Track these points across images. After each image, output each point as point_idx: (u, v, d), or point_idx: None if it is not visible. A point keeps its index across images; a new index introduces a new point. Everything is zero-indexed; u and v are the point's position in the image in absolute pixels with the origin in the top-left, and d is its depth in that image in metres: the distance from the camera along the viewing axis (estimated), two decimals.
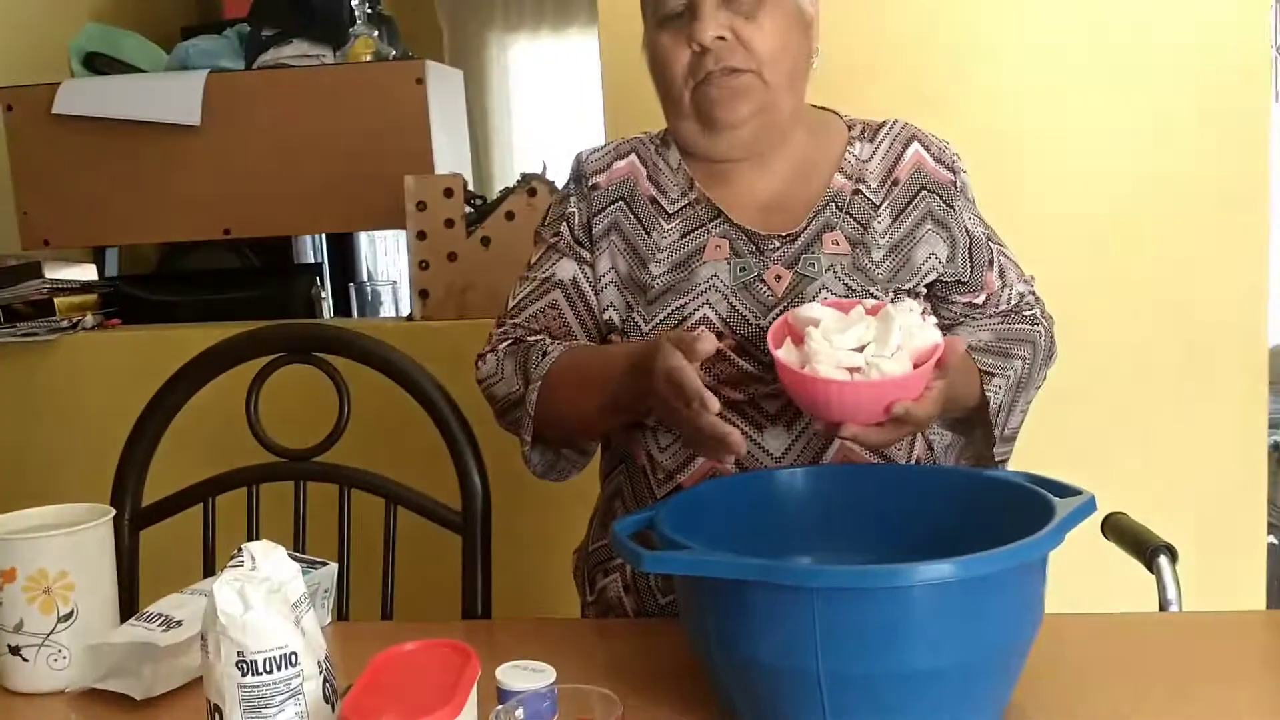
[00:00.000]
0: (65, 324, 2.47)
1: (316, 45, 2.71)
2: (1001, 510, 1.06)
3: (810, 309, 1.15)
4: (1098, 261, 2.03)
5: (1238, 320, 2.01)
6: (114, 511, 1.16)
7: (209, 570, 1.46)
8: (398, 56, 2.90)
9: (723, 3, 1.27)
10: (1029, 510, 1.00)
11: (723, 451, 1.09)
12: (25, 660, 1.10)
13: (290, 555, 1.21)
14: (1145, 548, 1.40)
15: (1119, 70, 2.01)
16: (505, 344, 1.37)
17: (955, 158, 1.39)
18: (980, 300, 1.39)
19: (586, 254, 1.37)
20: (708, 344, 1.09)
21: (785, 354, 1.12)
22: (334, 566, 1.29)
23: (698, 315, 1.29)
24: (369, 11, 3.08)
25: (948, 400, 1.18)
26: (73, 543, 1.11)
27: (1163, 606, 1.37)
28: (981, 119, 2.02)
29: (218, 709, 0.88)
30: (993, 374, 1.30)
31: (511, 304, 1.40)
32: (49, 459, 2.45)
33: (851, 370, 1.09)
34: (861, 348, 1.11)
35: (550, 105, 6.08)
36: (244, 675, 0.87)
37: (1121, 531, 1.47)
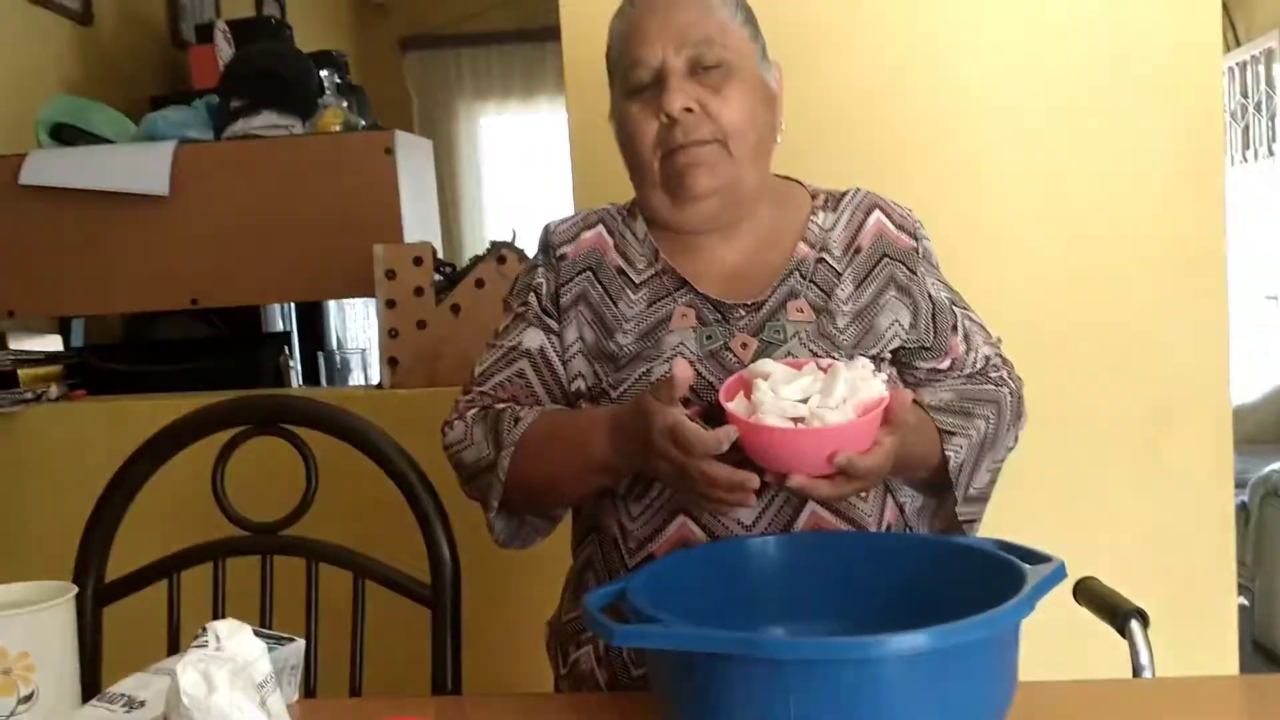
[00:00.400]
0: (29, 395, 2.44)
1: (286, 115, 2.73)
2: (972, 578, 1.06)
3: (763, 364, 1.17)
4: (1061, 326, 2.05)
5: (1202, 381, 2.03)
6: (76, 590, 1.14)
7: (174, 647, 1.44)
8: (367, 126, 2.92)
9: (690, 75, 1.30)
10: (1000, 577, 1.00)
11: (738, 494, 1.11)
12: None
13: (256, 631, 1.19)
14: (1117, 613, 1.40)
15: (1077, 137, 2.04)
16: (473, 411, 1.36)
17: (917, 224, 1.41)
18: (945, 365, 1.39)
19: (554, 324, 1.38)
20: (681, 372, 1.12)
21: (735, 405, 1.14)
22: (301, 642, 1.26)
23: None
24: (338, 82, 3.11)
25: (902, 458, 1.20)
26: (34, 623, 1.08)
27: (1136, 672, 1.36)
28: (943, 188, 2.04)
29: None
30: (953, 433, 1.30)
31: (478, 371, 1.40)
32: (11, 533, 2.42)
33: (796, 420, 1.11)
34: (807, 399, 1.12)
35: (518, 173, 6.14)
36: None
37: (1093, 597, 1.47)
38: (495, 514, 1.33)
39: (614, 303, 1.36)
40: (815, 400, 1.12)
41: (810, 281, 1.35)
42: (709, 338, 1.31)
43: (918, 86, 2.06)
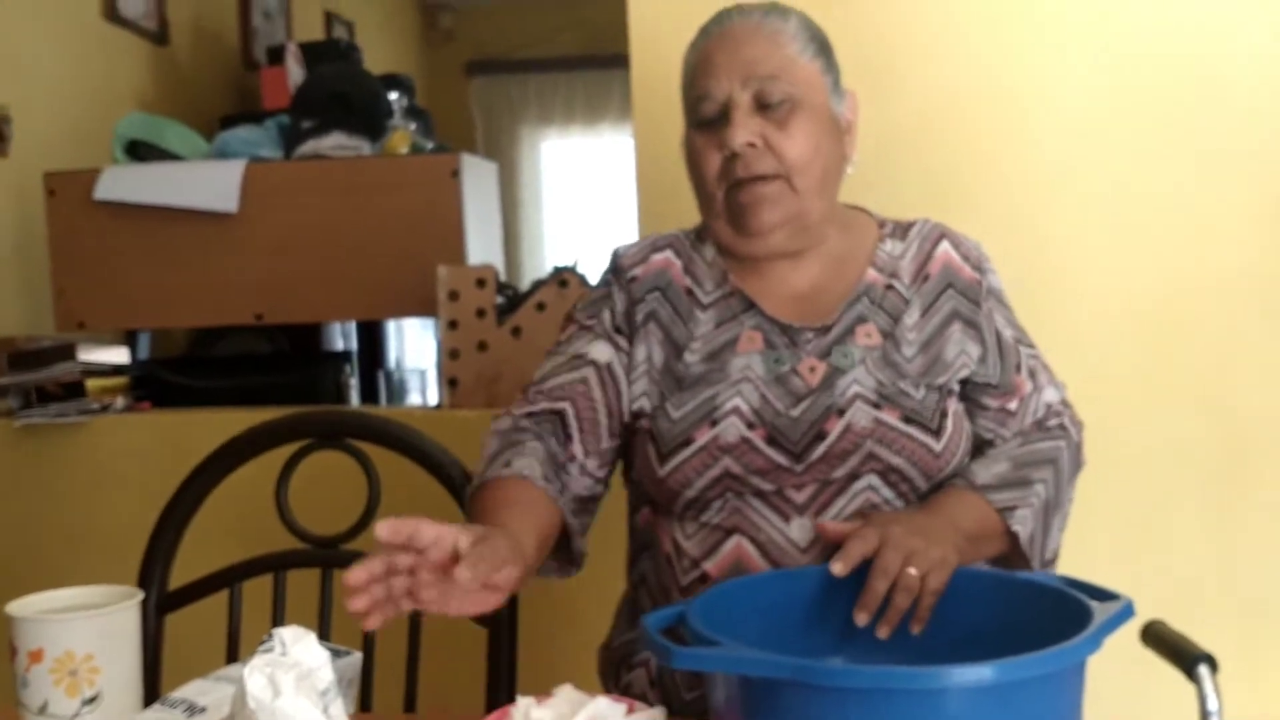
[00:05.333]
0: (96, 406, 2.48)
1: (354, 137, 2.77)
2: (1037, 614, 1.05)
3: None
4: (1136, 360, 2.01)
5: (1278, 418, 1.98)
6: (142, 594, 1.15)
7: (233, 657, 1.45)
8: (434, 149, 2.95)
9: (756, 109, 1.30)
10: (1066, 614, 0.99)
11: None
12: None
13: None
14: (1185, 657, 1.37)
15: (1154, 165, 1.99)
16: (520, 411, 1.35)
17: (983, 258, 1.40)
18: (1013, 406, 1.37)
19: (624, 342, 1.38)
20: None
21: None
22: (359, 655, 1.27)
23: (729, 405, 1.29)
24: (405, 105, 3.15)
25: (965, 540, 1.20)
26: (102, 625, 1.10)
27: (1204, 717, 1.33)
28: (1014, 215, 2.02)
29: None
30: (1014, 507, 1.27)
31: (538, 375, 1.39)
32: (75, 540, 2.45)
33: None
34: None
35: (581, 198, 6.18)
36: None
37: (1161, 640, 1.43)
38: None
39: (684, 323, 1.36)
40: None
41: (879, 307, 1.34)
42: (776, 361, 1.31)
43: (987, 112, 2.04)
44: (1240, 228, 1.99)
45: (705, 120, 1.33)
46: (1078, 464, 1.39)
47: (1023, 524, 1.27)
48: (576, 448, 1.33)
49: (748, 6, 1.36)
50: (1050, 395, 1.40)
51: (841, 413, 1.27)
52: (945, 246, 1.39)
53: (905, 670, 0.91)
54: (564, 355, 1.39)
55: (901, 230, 1.41)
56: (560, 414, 1.34)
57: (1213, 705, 1.31)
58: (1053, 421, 1.39)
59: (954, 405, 1.32)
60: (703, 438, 1.28)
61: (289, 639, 0.91)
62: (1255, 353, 1.99)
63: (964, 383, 1.35)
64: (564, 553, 1.30)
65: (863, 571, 1.13)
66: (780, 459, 1.27)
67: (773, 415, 1.28)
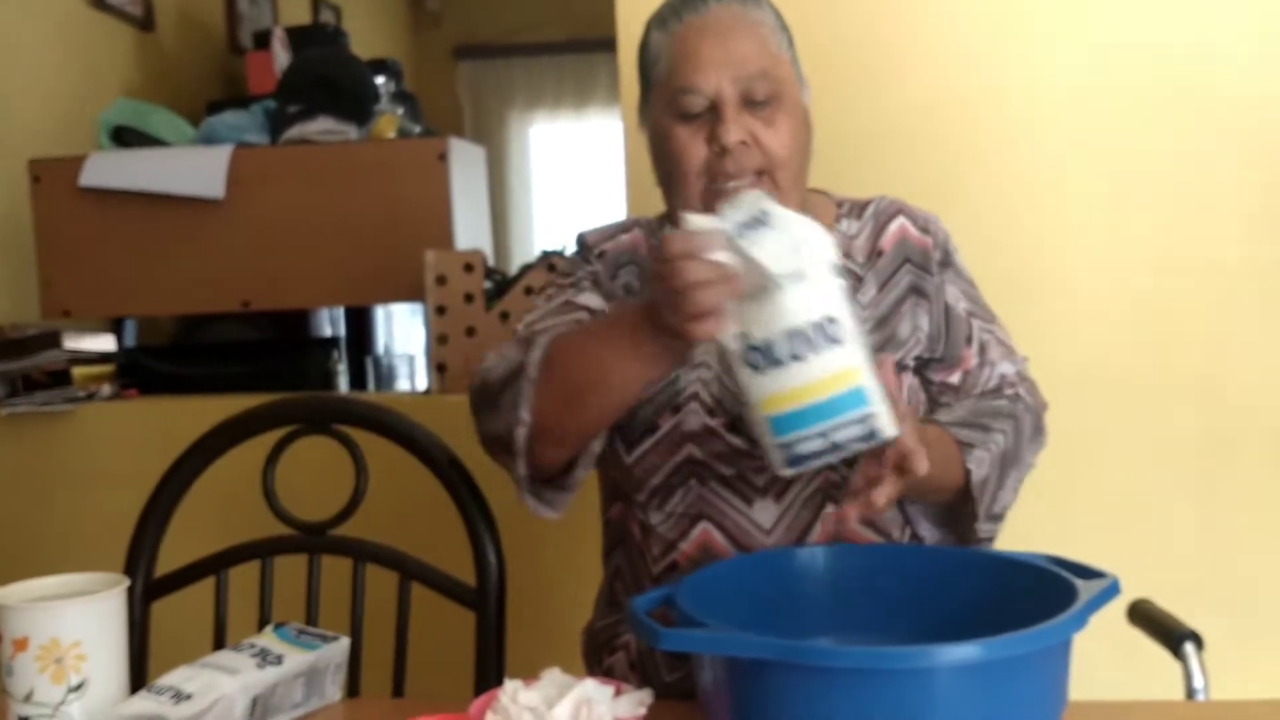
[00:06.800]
0: (82, 394, 2.47)
1: (341, 121, 2.75)
2: (1022, 593, 1.05)
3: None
4: (1129, 351, 2.01)
5: (1266, 405, 1.99)
6: (128, 581, 1.15)
7: (219, 643, 1.45)
8: (421, 133, 2.93)
9: (744, 106, 1.28)
10: (1052, 593, 0.99)
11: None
12: None
13: (301, 629, 1.20)
14: (1171, 634, 1.38)
15: (1143, 158, 2.00)
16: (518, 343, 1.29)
17: (940, 229, 1.40)
18: (955, 379, 1.36)
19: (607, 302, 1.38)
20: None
21: None
22: (346, 641, 1.27)
23: (689, 391, 1.30)
24: (393, 89, 3.13)
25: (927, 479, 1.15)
26: (87, 612, 1.09)
27: (1189, 695, 1.34)
28: (1004, 208, 2.02)
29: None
30: (973, 445, 1.26)
31: (526, 321, 1.35)
32: (63, 528, 2.45)
33: None
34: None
35: (568, 182, 6.17)
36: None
37: (1147, 618, 1.45)
38: (523, 443, 1.23)
39: None
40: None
41: None
42: None
43: (980, 110, 2.04)
44: (1230, 220, 2.00)
45: (689, 114, 1.30)
46: (1039, 432, 1.38)
47: (978, 464, 1.25)
48: None
49: None
50: (1005, 368, 1.39)
51: None
52: (900, 221, 1.39)
53: (892, 650, 0.91)
54: (553, 304, 1.36)
55: (858, 209, 1.41)
56: None
57: (1199, 682, 1.32)
58: (1008, 390, 1.38)
59: (908, 379, 1.33)
60: (666, 425, 1.29)
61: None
62: (1245, 343, 2.00)
63: (918, 357, 1.35)
64: (561, 478, 1.26)
65: (851, 558, 1.16)
66: (741, 444, 1.28)
67: (733, 403, 1.28)
